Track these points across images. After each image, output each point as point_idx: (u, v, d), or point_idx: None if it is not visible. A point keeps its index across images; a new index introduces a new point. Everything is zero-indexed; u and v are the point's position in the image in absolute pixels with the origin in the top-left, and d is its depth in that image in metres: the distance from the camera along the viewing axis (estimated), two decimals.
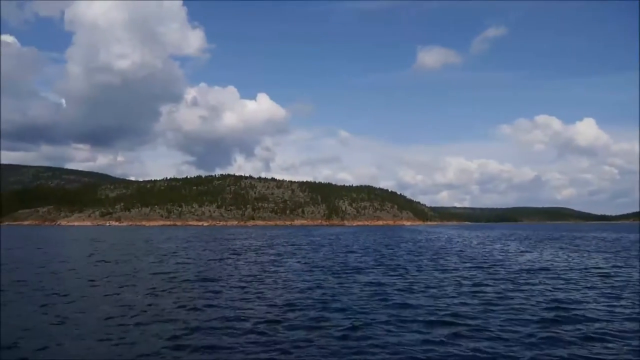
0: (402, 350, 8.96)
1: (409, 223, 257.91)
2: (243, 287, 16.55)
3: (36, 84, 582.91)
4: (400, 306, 13.06)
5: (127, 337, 9.75)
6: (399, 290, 15.90)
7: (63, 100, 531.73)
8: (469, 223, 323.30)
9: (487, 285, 17.08)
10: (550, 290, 15.77)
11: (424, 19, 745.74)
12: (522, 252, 35.05)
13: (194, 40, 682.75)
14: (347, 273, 20.96)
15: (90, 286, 16.80)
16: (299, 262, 26.73)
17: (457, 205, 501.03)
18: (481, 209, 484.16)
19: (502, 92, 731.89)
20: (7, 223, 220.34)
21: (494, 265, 24.44)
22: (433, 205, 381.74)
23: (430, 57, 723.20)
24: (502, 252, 35.05)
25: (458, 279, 18.88)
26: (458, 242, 51.98)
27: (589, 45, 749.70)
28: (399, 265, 24.70)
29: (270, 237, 66.65)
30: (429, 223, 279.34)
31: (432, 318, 11.55)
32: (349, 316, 11.81)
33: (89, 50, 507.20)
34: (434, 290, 15.81)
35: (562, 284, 17.33)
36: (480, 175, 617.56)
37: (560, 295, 14.89)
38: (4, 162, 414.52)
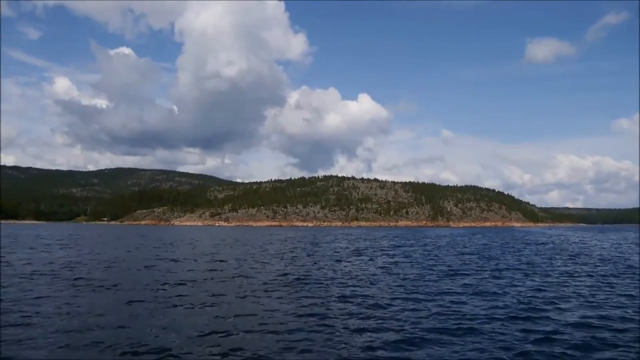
0: None
1: (518, 224, 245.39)
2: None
3: (151, 92, 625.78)
4: None
5: None
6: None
7: (175, 107, 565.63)
8: (584, 225, 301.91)
9: None
10: None
11: (532, 11, 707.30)
12: None
13: (296, 44, 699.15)
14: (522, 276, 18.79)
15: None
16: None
17: (570, 205, 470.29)
18: (597, 210, 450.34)
19: (621, 84, 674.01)
20: (127, 222, 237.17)
21: None
22: (542, 206, 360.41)
23: (541, 49, 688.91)
24: None
25: None
26: (598, 246, 47.51)
27: None
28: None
29: (392, 237, 63.97)
30: (539, 224, 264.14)
31: None
32: None
33: (198, 58, 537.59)
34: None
35: None
36: (595, 174, 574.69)
37: None
38: (123, 165, 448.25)
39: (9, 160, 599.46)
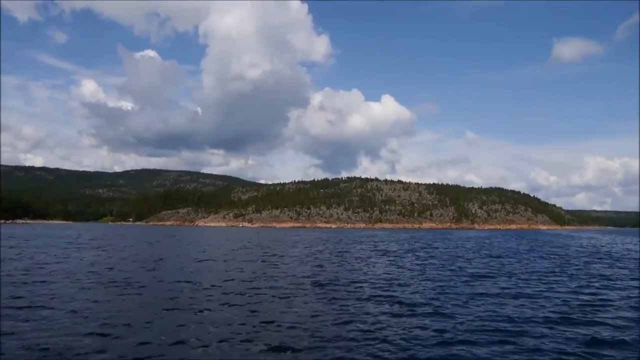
0: None
1: (544, 227, 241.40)
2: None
3: (176, 94, 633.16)
4: None
5: None
6: None
7: (199, 109, 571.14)
8: (612, 228, 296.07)
9: None
10: None
11: (559, 10, 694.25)
12: None
13: (320, 46, 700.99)
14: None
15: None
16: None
17: (597, 208, 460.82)
18: (626, 213, 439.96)
19: None
20: (152, 223, 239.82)
21: None
22: (568, 209, 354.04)
23: (568, 49, 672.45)
24: None
25: None
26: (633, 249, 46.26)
27: None
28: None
29: (417, 239, 63.32)
30: (566, 227, 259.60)
31: None
32: None
33: (222, 61, 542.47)
34: None
35: None
36: (624, 176, 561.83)
37: None
38: (149, 167, 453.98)
39: (38, 161, 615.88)
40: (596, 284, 18.53)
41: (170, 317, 11.53)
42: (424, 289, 16.63)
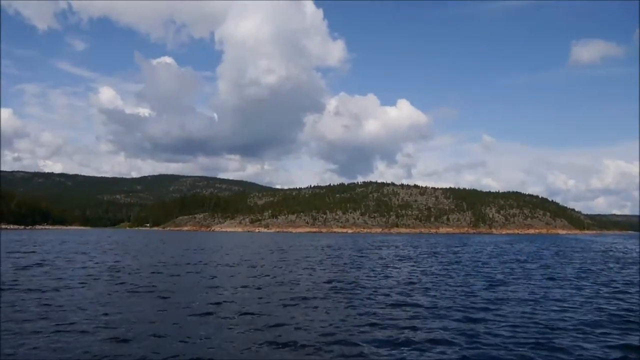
0: None
1: (564, 232, 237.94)
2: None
3: (192, 100, 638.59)
4: None
5: None
6: None
7: (215, 115, 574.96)
8: (634, 232, 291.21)
9: None
10: None
11: (578, 12, 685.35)
12: None
13: (335, 51, 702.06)
14: None
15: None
16: None
17: (617, 212, 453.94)
18: None
19: None
20: (169, 228, 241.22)
21: None
22: (588, 213, 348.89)
23: (587, 51, 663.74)
24: None
25: None
26: None
27: None
28: None
29: (435, 244, 62.61)
30: (586, 232, 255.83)
31: None
32: None
33: (238, 66, 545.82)
34: None
35: None
36: None
37: None
38: (166, 172, 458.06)
39: (57, 167, 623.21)
40: (631, 290, 17.89)
41: (194, 323, 11.29)
42: (452, 294, 16.20)
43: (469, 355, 8.87)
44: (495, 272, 24.52)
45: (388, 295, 15.93)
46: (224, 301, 14.29)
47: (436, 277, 21.81)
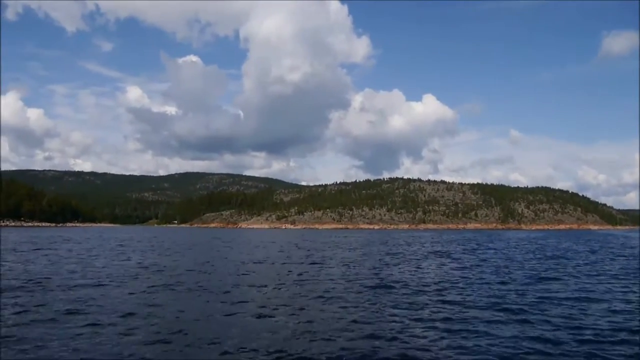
0: None
1: (596, 227, 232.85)
2: None
3: (218, 98, 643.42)
4: None
5: None
6: None
7: (241, 112, 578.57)
8: None
9: None
10: None
11: (608, 3, 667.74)
12: None
13: (360, 47, 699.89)
14: None
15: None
16: None
17: None
18: None
19: None
20: (196, 225, 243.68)
21: None
22: (619, 208, 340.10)
23: (618, 43, 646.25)
24: None
25: None
26: None
27: None
28: None
29: (465, 240, 60.85)
30: (619, 227, 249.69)
31: None
32: None
33: (263, 64, 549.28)
34: None
35: None
36: None
37: None
38: (192, 170, 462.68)
39: (86, 166, 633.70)
40: None
41: (228, 321, 10.99)
42: (495, 292, 15.57)
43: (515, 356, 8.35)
44: (539, 268, 23.63)
45: (430, 292, 15.41)
46: (258, 298, 13.99)
47: (474, 272, 21.30)
